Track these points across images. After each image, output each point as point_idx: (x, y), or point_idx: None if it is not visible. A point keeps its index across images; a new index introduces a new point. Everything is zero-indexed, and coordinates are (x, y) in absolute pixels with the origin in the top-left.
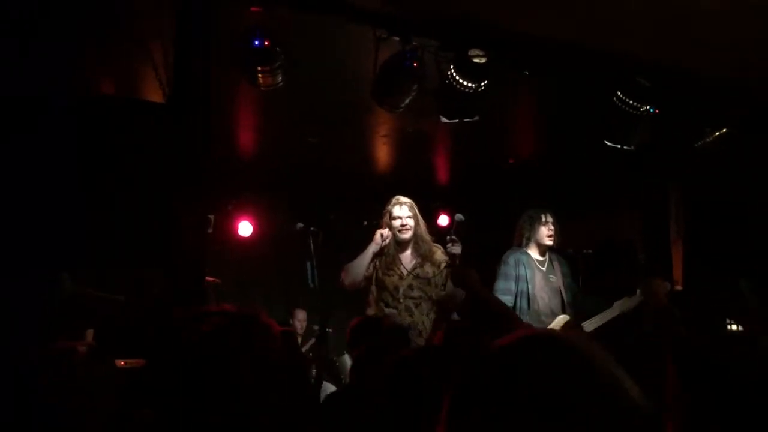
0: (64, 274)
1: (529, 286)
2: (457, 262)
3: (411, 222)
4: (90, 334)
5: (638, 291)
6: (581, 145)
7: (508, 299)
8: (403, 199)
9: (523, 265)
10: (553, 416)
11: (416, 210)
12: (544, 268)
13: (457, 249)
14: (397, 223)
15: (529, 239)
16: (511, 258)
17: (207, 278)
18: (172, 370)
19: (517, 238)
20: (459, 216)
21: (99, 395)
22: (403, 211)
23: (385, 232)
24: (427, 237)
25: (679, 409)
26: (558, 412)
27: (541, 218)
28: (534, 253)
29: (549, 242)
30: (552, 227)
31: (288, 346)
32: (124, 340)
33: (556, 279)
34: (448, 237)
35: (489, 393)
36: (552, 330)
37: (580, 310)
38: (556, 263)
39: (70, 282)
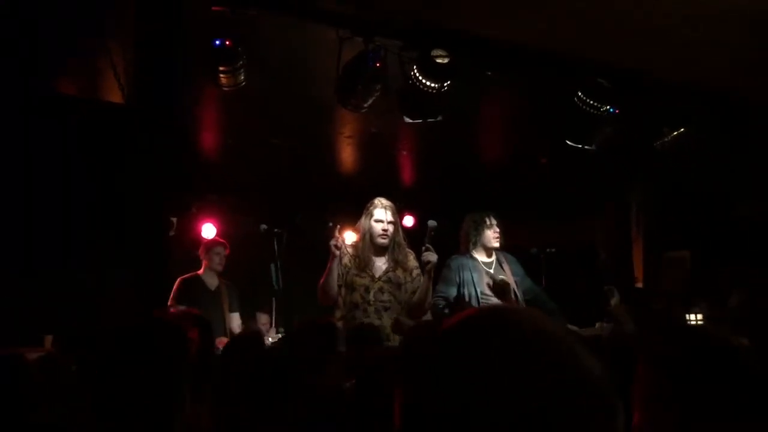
0: None
1: (477, 290)
2: (430, 268)
3: (392, 228)
4: (48, 340)
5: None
6: (545, 146)
7: (440, 302)
8: (385, 201)
9: (469, 269)
10: (508, 390)
11: (397, 215)
12: (491, 270)
13: (433, 257)
14: (378, 226)
15: (475, 243)
16: (454, 263)
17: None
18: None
19: (463, 242)
20: (432, 222)
21: (55, 400)
22: (387, 215)
23: (338, 241)
24: (404, 242)
25: (644, 399)
26: (513, 387)
27: (485, 221)
28: (481, 256)
29: (496, 244)
30: (497, 229)
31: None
32: (87, 344)
33: (506, 278)
34: (423, 247)
35: (439, 376)
36: (498, 305)
37: (541, 309)
38: (505, 264)
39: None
